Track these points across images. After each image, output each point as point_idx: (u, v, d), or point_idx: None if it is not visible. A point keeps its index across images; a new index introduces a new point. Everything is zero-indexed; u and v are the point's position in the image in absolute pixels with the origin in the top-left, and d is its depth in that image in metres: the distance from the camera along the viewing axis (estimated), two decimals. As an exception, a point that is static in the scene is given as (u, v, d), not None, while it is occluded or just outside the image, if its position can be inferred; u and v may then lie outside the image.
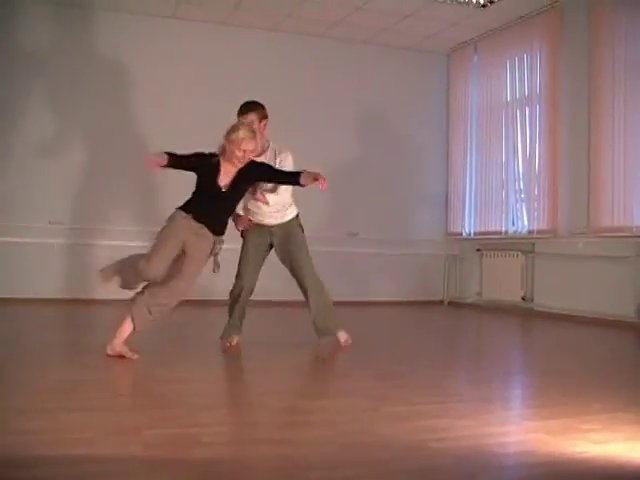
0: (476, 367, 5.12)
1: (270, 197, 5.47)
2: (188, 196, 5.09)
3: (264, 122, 5.56)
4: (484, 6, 8.89)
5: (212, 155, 5.07)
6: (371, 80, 10.44)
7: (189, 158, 5.01)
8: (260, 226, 5.67)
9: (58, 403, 3.44)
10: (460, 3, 8.82)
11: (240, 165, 5.00)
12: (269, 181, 5.30)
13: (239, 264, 5.77)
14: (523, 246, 9.27)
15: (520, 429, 3.30)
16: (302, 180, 5.02)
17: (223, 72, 9.79)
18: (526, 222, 9.32)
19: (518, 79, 9.53)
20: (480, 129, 10.35)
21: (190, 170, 5.03)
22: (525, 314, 9.02)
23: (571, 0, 8.63)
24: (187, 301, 8.61)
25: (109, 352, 4.81)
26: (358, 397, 3.80)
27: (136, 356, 4.80)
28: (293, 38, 10.06)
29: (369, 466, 2.65)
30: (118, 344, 4.84)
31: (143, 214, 9.21)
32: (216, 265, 5.15)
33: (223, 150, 5.04)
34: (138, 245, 9.13)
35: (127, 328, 4.88)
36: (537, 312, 8.93)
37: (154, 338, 6.29)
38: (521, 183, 9.44)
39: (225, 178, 5.00)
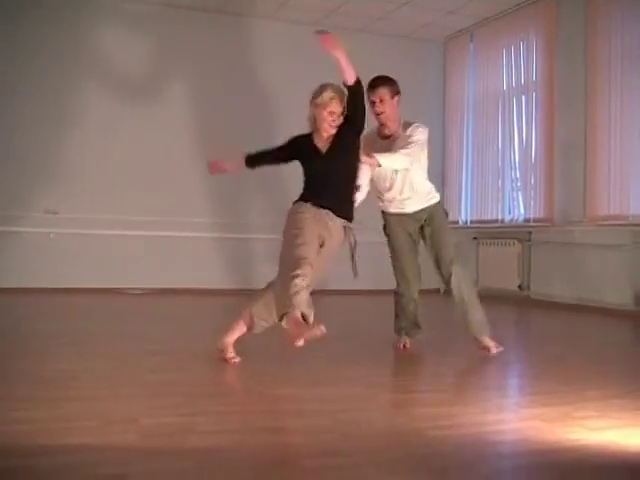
0: (473, 355, 5.13)
1: (407, 185, 5.04)
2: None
3: (396, 98, 5.07)
4: (480, -6, 8.87)
5: (304, 135, 4.67)
6: (367, 69, 10.26)
7: (281, 148, 4.66)
8: (401, 216, 5.19)
9: (57, 392, 3.45)
10: (456, -9, 8.80)
11: (332, 131, 4.50)
12: (354, 112, 4.55)
13: (394, 267, 5.38)
14: (519, 234, 9.27)
15: (517, 417, 3.32)
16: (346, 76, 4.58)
17: (218, 63, 9.77)
18: (522, 210, 9.32)
19: (514, 68, 9.52)
20: (476, 117, 10.34)
21: (287, 159, 4.66)
22: (521, 302, 9.04)
23: (567, -12, 8.63)
24: (182, 290, 8.59)
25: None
26: (356, 385, 3.80)
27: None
28: (287, 27, 10.01)
29: (366, 454, 2.66)
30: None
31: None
32: (354, 268, 4.61)
33: (312, 121, 4.60)
34: (144, 234, 9.18)
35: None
36: (533, 301, 8.94)
37: (152, 327, 6.30)
38: (517, 172, 9.43)
39: (321, 143, 4.53)
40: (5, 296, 8.06)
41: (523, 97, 9.38)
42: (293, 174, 4.78)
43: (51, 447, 2.59)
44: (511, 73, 9.57)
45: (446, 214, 5.31)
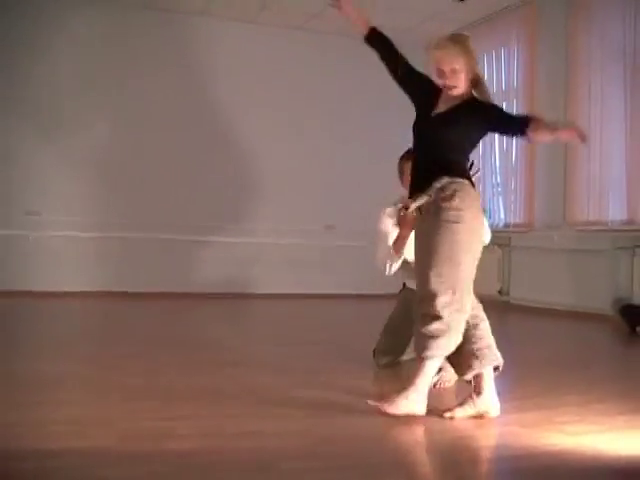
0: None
1: None
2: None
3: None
4: (461, 0, 8.89)
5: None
6: (348, 73, 10.39)
7: (414, 69, 3.93)
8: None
9: (34, 396, 3.42)
10: (438, -4, 8.83)
11: (455, 91, 3.57)
12: (492, 128, 3.73)
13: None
14: (499, 239, 9.28)
15: (495, 422, 3.31)
16: (531, 130, 3.40)
17: (197, 66, 9.75)
18: (503, 215, 9.35)
19: (495, 73, 9.55)
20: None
21: (406, 83, 3.90)
22: (501, 307, 9.04)
23: (548, -6, 8.67)
24: (160, 294, 8.52)
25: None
26: (333, 390, 3.79)
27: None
28: (269, 30, 9.99)
29: (342, 459, 2.65)
30: None
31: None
32: None
33: None
34: (107, 236, 9.14)
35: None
36: (513, 305, 8.96)
37: (129, 331, 6.27)
38: (498, 177, 9.46)
39: (443, 105, 3.65)
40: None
41: (504, 102, 9.41)
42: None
43: (27, 451, 2.57)
44: (492, 79, 9.59)
45: None
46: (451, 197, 3.38)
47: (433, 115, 3.64)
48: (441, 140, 3.57)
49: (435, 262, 3.34)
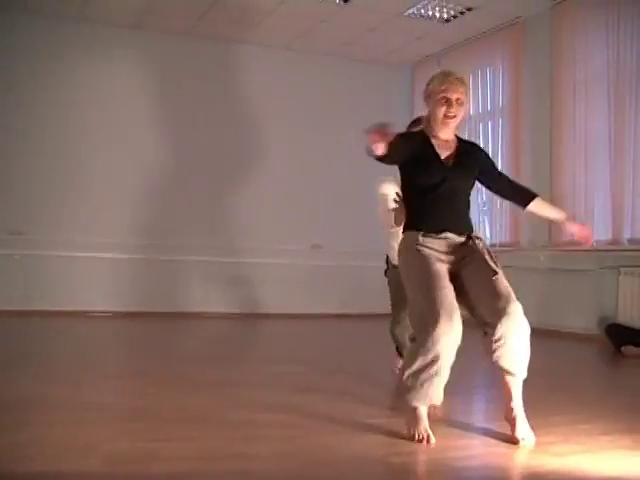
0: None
1: None
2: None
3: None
4: (447, 21, 8.96)
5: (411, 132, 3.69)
6: (335, 93, 10.44)
7: (399, 144, 3.37)
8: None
9: (18, 418, 3.39)
10: (424, 18, 8.88)
11: (453, 127, 3.58)
12: (489, 185, 3.98)
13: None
14: (486, 259, 9.28)
15: (480, 443, 3.30)
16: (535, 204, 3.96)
17: (184, 85, 9.77)
18: (489, 235, 9.37)
19: (481, 93, 9.61)
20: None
21: (399, 160, 3.58)
22: (488, 326, 9.05)
23: (533, 15, 8.73)
24: (150, 313, 8.47)
25: None
26: (319, 411, 3.78)
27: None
28: (257, 50, 10.04)
29: (330, 481, 2.65)
30: None
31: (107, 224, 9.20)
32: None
33: (426, 121, 3.67)
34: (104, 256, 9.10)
35: None
36: (499, 324, 8.95)
37: (116, 351, 6.24)
38: (484, 196, 9.49)
39: (444, 151, 3.58)
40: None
41: (489, 122, 9.47)
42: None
43: (10, 475, 2.54)
44: (477, 99, 9.65)
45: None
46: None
47: (446, 164, 3.57)
48: (461, 188, 3.69)
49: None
